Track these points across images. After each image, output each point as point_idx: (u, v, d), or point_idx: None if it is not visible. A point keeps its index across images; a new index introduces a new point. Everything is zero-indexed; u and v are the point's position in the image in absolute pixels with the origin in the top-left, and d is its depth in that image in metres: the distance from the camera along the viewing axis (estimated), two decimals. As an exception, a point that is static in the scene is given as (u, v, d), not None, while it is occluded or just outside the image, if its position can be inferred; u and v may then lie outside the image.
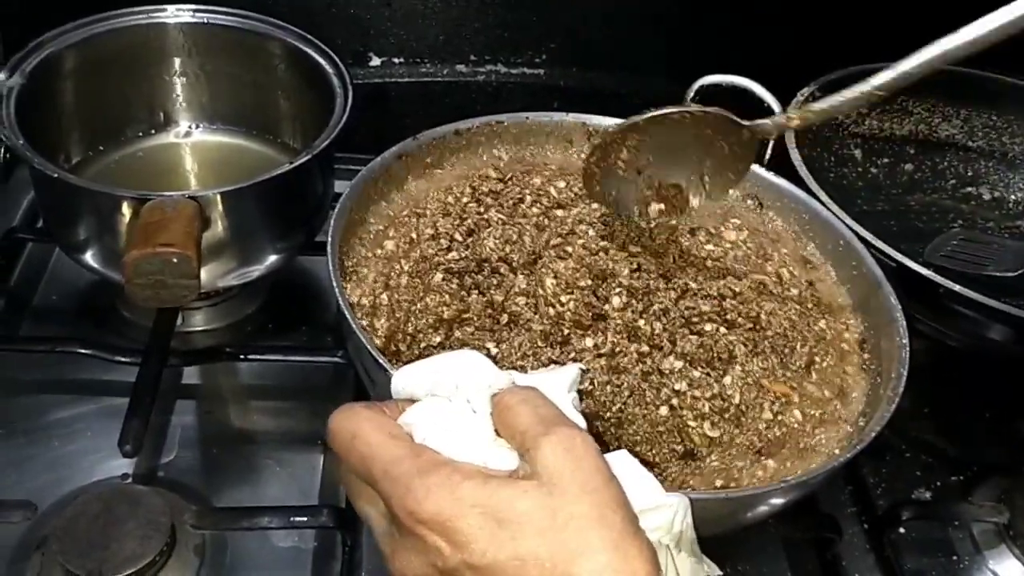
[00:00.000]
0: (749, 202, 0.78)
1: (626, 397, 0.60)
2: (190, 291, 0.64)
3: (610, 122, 0.78)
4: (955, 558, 0.77)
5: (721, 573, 0.47)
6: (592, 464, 0.42)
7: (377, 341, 0.62)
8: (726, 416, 0.61)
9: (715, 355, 0.63)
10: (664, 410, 0.60)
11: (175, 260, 0.62)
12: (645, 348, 0.63)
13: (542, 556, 0.39)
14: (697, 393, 0.61)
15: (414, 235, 0.69)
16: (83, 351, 0.78)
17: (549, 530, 0.40)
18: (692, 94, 0.79)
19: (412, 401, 0.48)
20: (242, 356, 0.81)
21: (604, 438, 0.59)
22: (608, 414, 0.60)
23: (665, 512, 0.45)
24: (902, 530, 0.77)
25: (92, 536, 0.63)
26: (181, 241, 0.62)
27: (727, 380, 0.62)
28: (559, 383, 0.48)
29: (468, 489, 0.41)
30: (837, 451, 0.60)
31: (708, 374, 0.62)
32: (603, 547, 0.40)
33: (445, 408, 0.46)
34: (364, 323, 0.63)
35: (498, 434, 0.45)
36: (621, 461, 0.45)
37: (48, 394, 0.79)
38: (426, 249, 0.68)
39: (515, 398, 0.45)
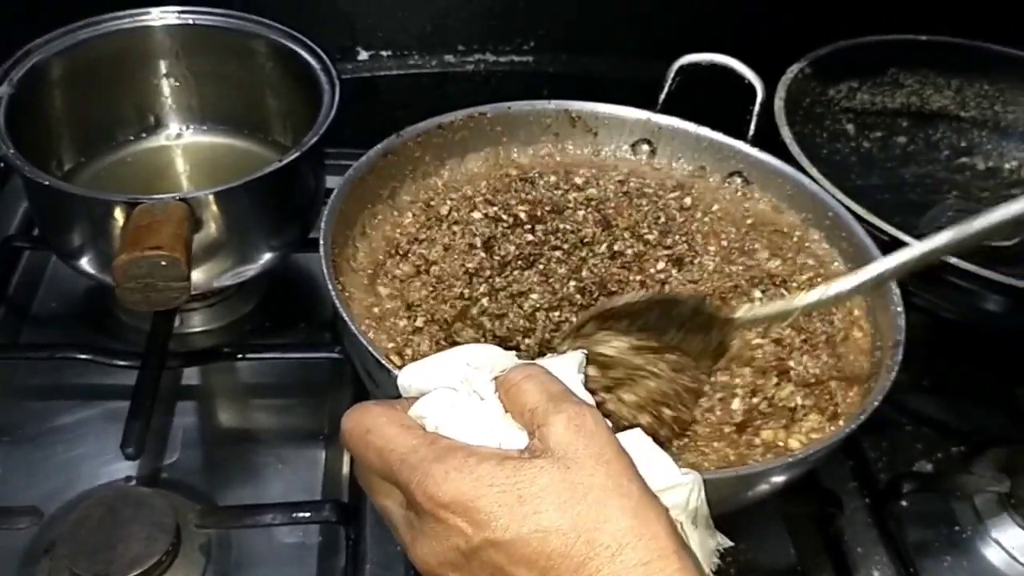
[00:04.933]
0: (737, 179, 0.78)
1: None
2: (181, 293, 0.64)
3: (594, 108, 0.78)
4: (957, 528, 0.77)
5: (732, 544, 0.48)
6: (603, 438, 0.43)
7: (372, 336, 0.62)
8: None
9: None
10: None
11: (163, 263, 0.62)
12: None
13: (564, 527, 0.41)
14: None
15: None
16: (82, 356, 0.78)
17: (569, 502, 0.41)
18: (672, 74, 0.78)
19: (419, 396, 0.48)
20: (240, 355, 0.82)
21: (615, 416, 0.59)
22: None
23: (681, 491, 0.46)
24: (904, 503, 0.77)
25: (98, 539, 0.64)
26: (169, 243, 0.62)
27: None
28: (567, 364, 0.49)
29: (486, 469, 0.42)
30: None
31: None
32: (623, 514, 0.41)
33: (453, 397, 0.47)
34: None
35: (507, 412, 0.46)
36: (634, 440, 0.46)
37: (51, 400, 0.80)
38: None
39: (520, 375, 0.46)
